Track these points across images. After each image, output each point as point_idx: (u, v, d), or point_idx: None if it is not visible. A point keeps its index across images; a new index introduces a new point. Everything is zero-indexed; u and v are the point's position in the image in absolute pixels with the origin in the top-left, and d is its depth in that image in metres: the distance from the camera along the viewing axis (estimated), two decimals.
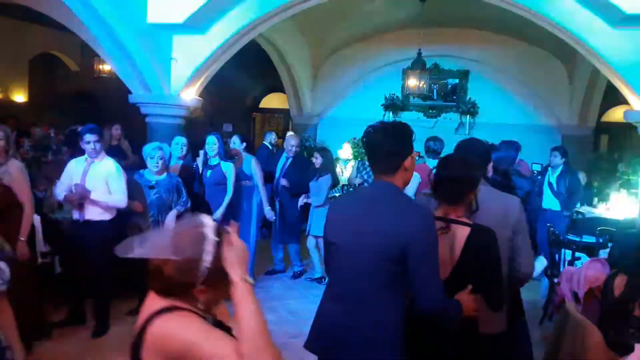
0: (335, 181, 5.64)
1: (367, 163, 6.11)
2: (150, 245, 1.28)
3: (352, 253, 1.93)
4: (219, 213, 4.85)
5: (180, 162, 4.99)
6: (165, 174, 4.44)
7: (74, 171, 4.07)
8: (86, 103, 12.54)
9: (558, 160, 6.38)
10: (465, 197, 2.11)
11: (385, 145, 1.92)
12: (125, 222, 4.20)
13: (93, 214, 4.02)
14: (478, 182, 2.15)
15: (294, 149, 6.01)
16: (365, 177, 6.09)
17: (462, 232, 2.05)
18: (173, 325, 1.25)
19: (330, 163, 5.68)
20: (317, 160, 5.55)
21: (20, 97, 11.16)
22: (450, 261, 2.04)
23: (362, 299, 1.92)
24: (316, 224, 5.43)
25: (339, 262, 2.02)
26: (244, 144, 5.65)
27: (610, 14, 4.81)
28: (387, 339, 1.88)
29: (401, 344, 1.89)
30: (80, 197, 3.93)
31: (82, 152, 4.17)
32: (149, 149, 4.43)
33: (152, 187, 4.34)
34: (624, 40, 4.95)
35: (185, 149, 5.00)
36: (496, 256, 2.05)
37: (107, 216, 4.06)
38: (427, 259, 1.83)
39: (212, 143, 5.02)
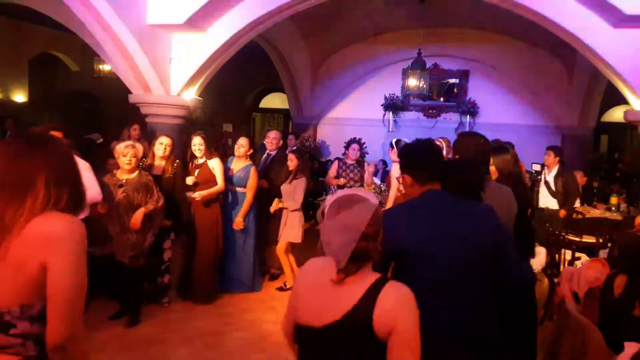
0: (309, 184, 5.33)
1: (347, 162, 6.02)
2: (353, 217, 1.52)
3: (444, 258, 2.00)
4: (199, 194, 4.74)
5: (162, 162, 4.77)
6: (136, 173, 4.35)
7: None
8: (86, 103, 12.57)
9: (551, 159, 6.42)
10: (476, 195, 2.34)
11: (438, 157, 2.22)
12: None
13: None
14: (484, 181, 2.37)
15: (275, 142, 5.73)
16: (351, 175, 5.95)
17: None
18: (403, 298, 1.52)
19: (306, 165, 5.35)
20: (292, 162, 5.22)
21: (20, 97, 11.17)
22: None
23: (468, 298, 2.02)
24: (289, 229, 5.17)
25: (427, 270, 2.00)
26: (251, 150, 5.28)
27: (610, 14, 4.82)
28: (496, 326, 2.06)
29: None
30: None
31: (94, 160, 4.08)
32: (121, 147, 4.34)
33: (121, 186, 4.26)
34: (624, 40, 4.96)
35: (169, 149, 4.78)
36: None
37: (81, 215, 3.93)
38: (512, 243, 2.11)
39: (198, 144, 4.87)
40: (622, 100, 5.78)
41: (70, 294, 1.40)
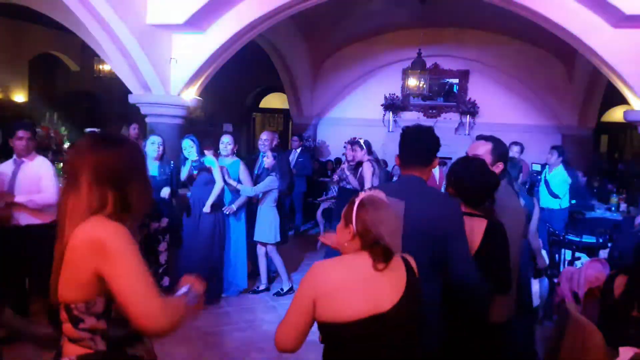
0: (281, 186, 5.15)
1: (350, 163, 6.01)
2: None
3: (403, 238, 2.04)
4: (208, 206, 4.78)
5: (157, 163, 4.70)
6: None
7: (1, 174, 3.89)
8: (86, 103, 12.56)
9: (554, 159, 6.43)
10: (486, 200, 2.39)
11: (428, 143, 2.23)
12: None
13: (29, 217, 3.85)
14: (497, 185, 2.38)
15: (268, 143, 5.66)
16: (342, 175, 5.96)
17: (480, 225, 2.29)
18: None
19: (281, 164, 5.22)
20: (269, 159, 5.17)
21: (20, 97, 11.16)
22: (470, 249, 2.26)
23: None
24: (261, 228, 5.09)
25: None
26: (236, 145, 5.32)
27: (610, 14, 4.82)
28: (433, 321, 2.08)
29: (441, 324, 2.13)
30: (3, 200, 3.75)
31: None
32: None
33: None
34: (624, 40, 4.96)
35: (161, 148, 4.72)
36: (507, 245, 2.33)
37: (47, 219, 3.88)
38: (464, 238, 2.14)
39: (188, 147, 4.81)
40: (622, 100, 5.78)
41: (141, 295, 1.40)
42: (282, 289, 5.30)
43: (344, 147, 6.81)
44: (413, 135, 2.26)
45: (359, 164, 5.88)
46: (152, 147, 4.71)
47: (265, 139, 5.78)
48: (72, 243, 1.44)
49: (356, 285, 1.65)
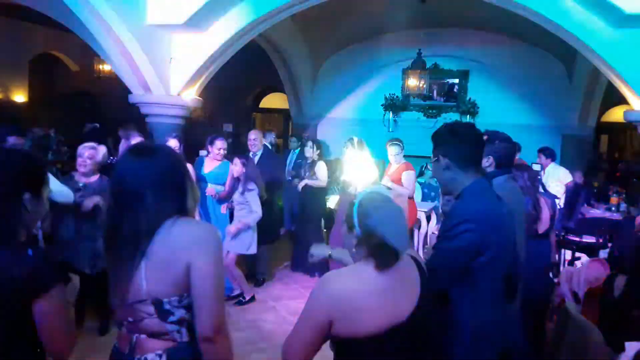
0: (261, 192, 4.80)
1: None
2: None
3: (509, 245, 2.02)
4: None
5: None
6: (97, 177, 4.05)
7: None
8: (86, 103, 12.55)
9: (542, 160, 6.50)
10: None
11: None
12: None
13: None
14: None
15: (257, 142, 5.67)
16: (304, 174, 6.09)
17: None
18: None
19: (254, 173, 4.79)
20: (237, 167, 4.69)
21: (20, 97, 11.16)
22: None
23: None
24: (243, 240, 4.74)
25: (500, 260, 1.94)
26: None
27: (610, 14, 4.82)
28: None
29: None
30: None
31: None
32: (81, 148, 4.07)
33: (78, 190, 3.87)
34: (624, 40, 4.96)
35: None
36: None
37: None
38: None
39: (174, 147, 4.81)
40: (622, 100, 5.78)
41: (214, 291, 1.51)
42: (243, 298, 4.99)
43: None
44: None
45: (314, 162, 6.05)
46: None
47: (254, 138, 5.74)
48: (167, 240, 1.49)
49: (374, 297, 1.55)
